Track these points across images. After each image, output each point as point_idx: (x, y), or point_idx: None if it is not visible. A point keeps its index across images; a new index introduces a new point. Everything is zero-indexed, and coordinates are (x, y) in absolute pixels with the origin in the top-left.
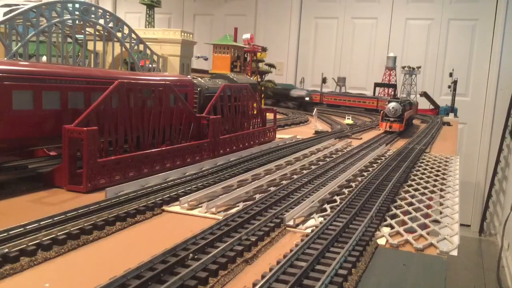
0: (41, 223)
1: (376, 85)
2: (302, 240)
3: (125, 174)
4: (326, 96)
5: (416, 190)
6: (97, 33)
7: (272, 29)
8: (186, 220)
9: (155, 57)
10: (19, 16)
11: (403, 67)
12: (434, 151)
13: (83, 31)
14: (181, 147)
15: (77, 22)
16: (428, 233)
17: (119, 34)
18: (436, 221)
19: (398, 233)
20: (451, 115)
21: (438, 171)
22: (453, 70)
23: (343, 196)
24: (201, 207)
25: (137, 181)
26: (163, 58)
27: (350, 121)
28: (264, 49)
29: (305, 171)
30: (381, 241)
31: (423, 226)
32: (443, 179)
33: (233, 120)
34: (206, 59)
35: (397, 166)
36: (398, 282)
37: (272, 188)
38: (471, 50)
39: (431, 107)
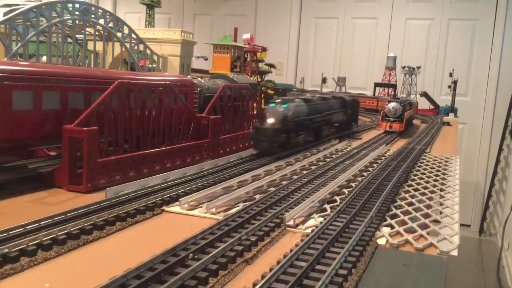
0: (41, 223)
1: (376, 85)
2: (302, 240)
3: (125, 174)
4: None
5: (416, 190)
6: (97, 33)
7: (272, 29)
8: (186, 220)
9: (155, 57)
10: (19, 16)
11: (403, 67)
12: (434, 151)
13: (83, 31)
14: (181, 147)
15: (77, 22)
16: (428, 233)
17: (119, 34)
18: (436, 221)
19: (398, 233)
20: (451, 115)
21: (438, 171)
22: (453, 70)
23: (343, 196)
24: (201, 207)
25: (137, 181)
26: (163, 58)
27: None
28: (264, 49)
29: (305, 172)
30: (381, 241)
31: (423, 226)
32: (443, 179)
33: (233, 120)
34: (206, 59)
35: (397, 166)
36: (398, 282)
37: (272, 189)
38: (471, 50)
39: (431, 107)
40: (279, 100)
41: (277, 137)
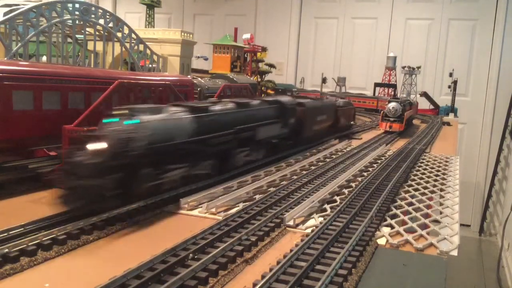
0: (41, 223)
1: (376, 85)
2: (302, 240)
3: None
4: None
5: (416, 190)
6: (97, 33)
7: (272, 29)
8: (186, 220)
9: (155, 57)
10: (19, 16)
11: (403, 67)
12: (434, 151)
13: (83, 31)
14: None
15: (77, 22)
16: (428, 233)
17: (119, 34)
18: (436, 221)
19: (398, 233)
20: (451, 115)
21: (438, 171)
22: (453, 70)
23: (343, 196)
24: (201, 207)
25: None
26: (163, 58)
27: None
28: (264, 49)
29: (304, 172)
30: (381, 241)
31: (423, 226)
32: (443, 179)
33: None
34: (206, 59)
35: (397, 166)
36: (398, 282)
37: (272, 189)
38: (471, 50)
39: (431, 107)
40: (125, 112)
41: (105, 181)
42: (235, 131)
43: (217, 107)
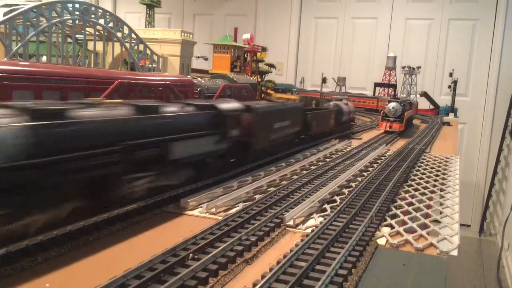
0: None
1: (376, 85)
2: (302, 240)
3: None
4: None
5: (416, 190)
6: (97, 33)
7: (272, 29)
8: (186, 220)
9: (155, 57)
10: (19, 16)
11: (403, 67)
12: (434, 151)
13: (83, 31)
14: None
15: (77, 22)
16: (428, 233)
17: (119, 34)
18: (436, 221)
19: (398, 233)
20: (451, 115)
21: (438, 171)
22: (453, 70)
23: (343, 196)
24: (201, 207)
25: None
26: (163, 58)
27: None
28: (264, 49)
29: (305, 172)
30: (381, 241)
31: (423, 226)
32: (443, 179)
33: None
34: (206, 59)
35: (397, 166)
36: (398, 282)
37: (272, 189)
38: (471, 50)
39: (431, 107)
40: None
41: None
42: (123, 148)
43: (91, 111)
